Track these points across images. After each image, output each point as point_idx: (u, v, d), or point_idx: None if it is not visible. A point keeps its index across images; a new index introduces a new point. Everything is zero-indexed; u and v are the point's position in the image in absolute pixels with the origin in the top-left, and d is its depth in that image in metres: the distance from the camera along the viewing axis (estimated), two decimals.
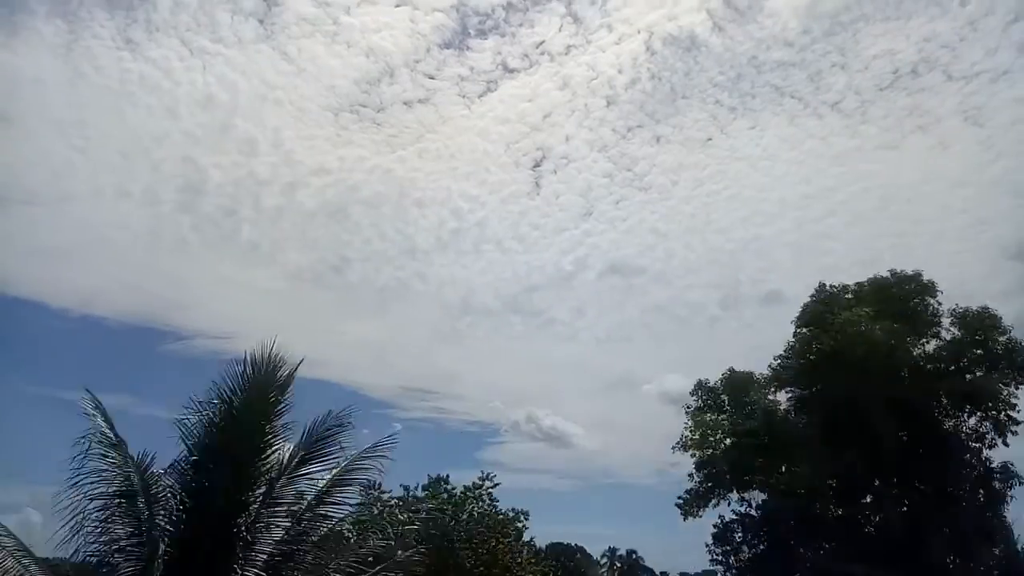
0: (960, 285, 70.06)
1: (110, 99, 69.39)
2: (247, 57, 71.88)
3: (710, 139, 77.29)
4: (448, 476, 22.30)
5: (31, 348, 70.45)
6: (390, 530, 14.45)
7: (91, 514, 8.53)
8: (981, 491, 28.84)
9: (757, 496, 31.03)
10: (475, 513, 20.95)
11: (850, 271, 75.10)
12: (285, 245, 77.70)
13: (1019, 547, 28.89)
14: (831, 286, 31.61)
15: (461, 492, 21.49)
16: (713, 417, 31.40)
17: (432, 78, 75.97)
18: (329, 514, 9.59)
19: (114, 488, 8.75)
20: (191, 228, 73.63)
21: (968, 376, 28.94)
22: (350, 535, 12.04)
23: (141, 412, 75.33)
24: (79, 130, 71.09)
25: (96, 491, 8.63)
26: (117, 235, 70.73)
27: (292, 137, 75.02)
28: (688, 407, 32.14)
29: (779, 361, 31.43)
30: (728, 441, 30.56)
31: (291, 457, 9.25)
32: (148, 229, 71.49)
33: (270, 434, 9.15)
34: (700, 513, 31.30)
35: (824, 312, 30.00)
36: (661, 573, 66.70)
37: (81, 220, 69.82)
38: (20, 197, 66.96)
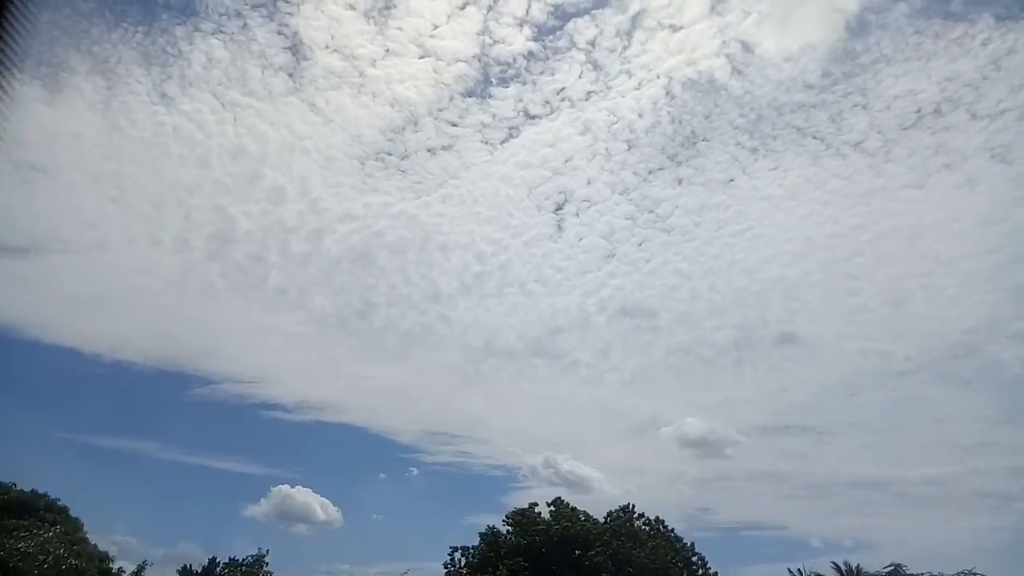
0: (993, 326, 69.04)
1: (144, 151, 71.64)
2: (276, 109, 73.93)
3: (732, 180, 77.34)
4: None
5: (64, 394, 71.66)
6: None
7: None
8: None
9: None
10: None
11: (879, 311, 75.44)
12: (311, 290, 78.53)
13: None
14: None
15: None
16: None
17: (455, 125, 77.34)
18: None
19: None
20: (220, 275, 74.74)
21: None
22: None
23: (166, 457, 76.62)
24: (114, 181, 73.08)
25: None
26: (148, 282, 72.18)
27: (319, 185, 76.55)
28: None
29: None
30: None
31: None
32: (178, 276, 72.98)
33: None
34: None
35: None
36: None
37: (113, 268, 71.54)
38: (55, 246, 68.85)
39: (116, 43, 70.73)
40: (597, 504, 74.18)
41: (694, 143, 78.30)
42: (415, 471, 76.43)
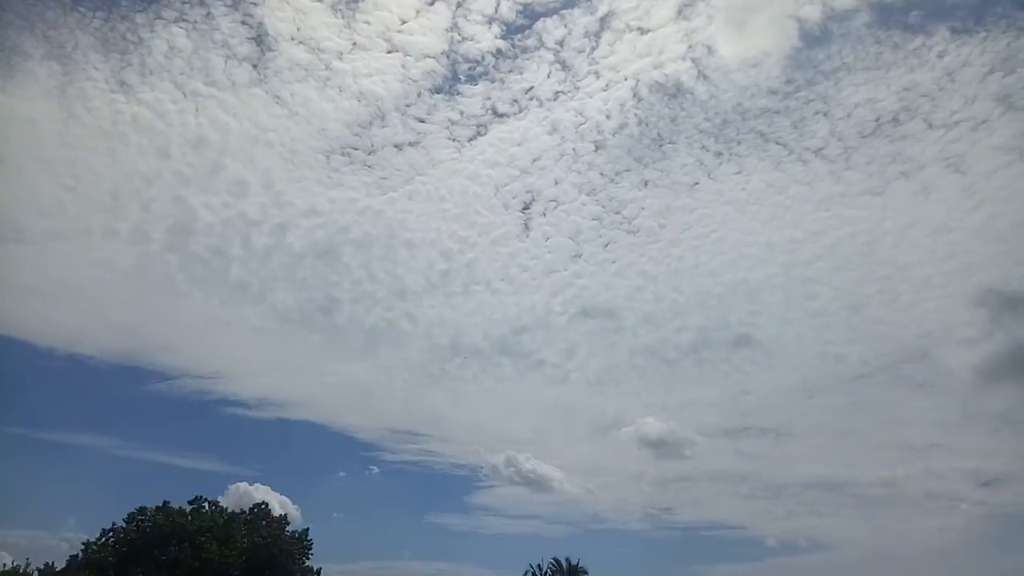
0: (945, 332, 70.70)
1: (102, 140, 70.12)
2: (240, 100, 72.88)
3: (697, 183, 78.28)
4: None
5: (16, 387, 69.66)
6: None
7: None
8: None
9: None
10: None
11: (837, 315, 76.81)
12: (274, 285, 77.34)
13: None
14: None
15: None
16: None
17: (423, 122, 77.08)
18: None
19: None
20: (179, 268, 73.12)
21: None
22: None
23: (125, 454, 74.95)
24: (70, 169, 71.18)
25: None
26: (105, 274, 70.46)
27: (283, 178, 75.49)
28: None
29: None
30: None
31: None
32: (136, 268, 71.33)
33: None
34: None
35: None
36: None
37: (69, 259, 69.70)
38: (8, 236, 66.79)
39: (73, 28, 69.22)
40: (558, 504, 74.72)
41: (660, 145, 79.17)
42: (376, 469, 76.04)
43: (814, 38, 74.26)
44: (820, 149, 73.69)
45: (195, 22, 71.04)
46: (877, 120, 71.09)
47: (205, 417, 77.75)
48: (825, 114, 73.58)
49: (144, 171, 71.12)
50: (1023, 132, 65.58)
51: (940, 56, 69.10)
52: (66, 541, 59.88)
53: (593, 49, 77.50)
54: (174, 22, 70.30)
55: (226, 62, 71.69)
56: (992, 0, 70.39)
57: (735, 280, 77.93)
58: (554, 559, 51.32)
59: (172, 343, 72.86)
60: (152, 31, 70.10)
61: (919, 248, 72.99)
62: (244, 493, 63.57)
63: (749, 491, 73.97)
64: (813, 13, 71.70)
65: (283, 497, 63.94)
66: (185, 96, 70.56)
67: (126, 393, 75.96)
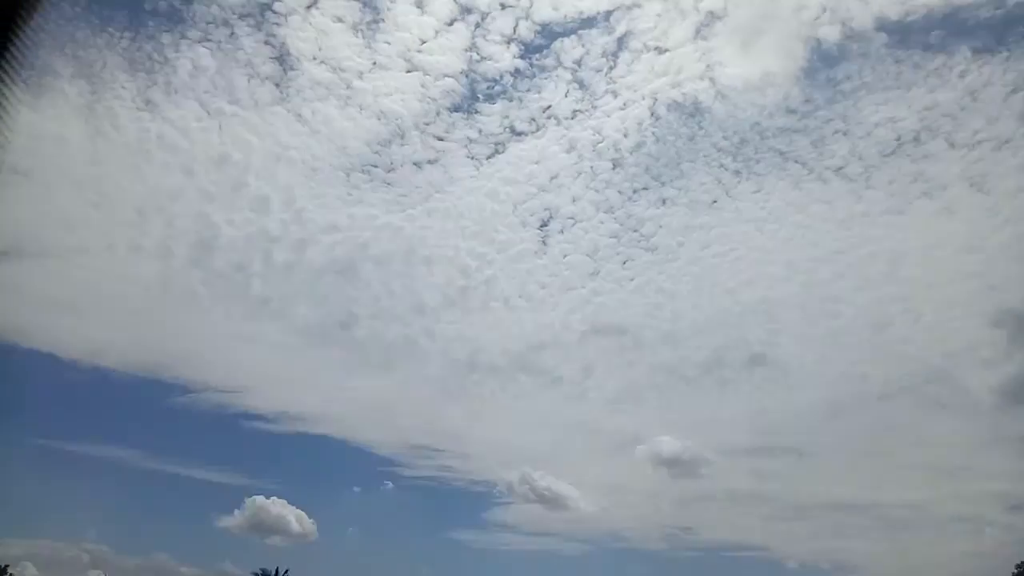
0: (968, 352, 69.77)
1: (128, 157, 71.23)
2: (262, 118, 73.82)
3: (715, 201, 77.98)
4: None
5: (40, 399, 70.49)
6: None
7: None
8: None
9: None
10: None
11: (860, 334, 76.11)
12: (294, 301, 77.98)
13: None
14: None
15: None
16: None
17: (441, 140, 77.61)
18: None
19: None
20: (202, 283, 74.01)
21: None
22: None
23: (145, 466, 75.54)
24: (96, 186, 72.61)
25: None
26: (129, 288, 71.41)
27: (303, 195, 76.37)
28: None
29: None
30: None
31: None
32: (159, 283, 72.37)
33: None
34: None
35: None
36: None
37: (93, 273, 70.76)
38: (34, 250, 68.00)
39: (101, 48, 70.71)
40: (575, 522, 74.13)
41: (678, 164, 79.14)
42: (394, 485, 75.84)
43: (833, 58, 74.24)
44: (840, 168, 73.40)
45: (219, 42, 72.34)
46: (898, 139, 70.79)
47: (225, 430, 78.29)
48: (845, 133, 73.31)
49: (168, 187, 72.28)
50: None
51: (961, 76, 68.78)
52: (87, 552, 60.57)
53: (611, 68, 77.93)
54: (199, 42, 71.61)
55: (249, 81, 72.90)
56: (1014, 20, 69.99)
57: (755, 298, 77.50)
58: None
59: (194, 357, 73.58)
60: (177, 51, 71.41)
61: (942, 268, 72.55)
62: (260, 507, 64.00)
63: (771, 512, 73.11)
64: (832, 33, 71.77)
65: (299, 511, 64.27)
66: (209, 114, 71.77)
67: (148, 405, 76.64)
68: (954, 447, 69.81)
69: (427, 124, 76.80)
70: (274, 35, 73.19)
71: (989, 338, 68.65)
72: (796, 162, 74.87)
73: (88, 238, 71.18)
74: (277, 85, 74.04)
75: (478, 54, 76.94)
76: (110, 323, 72.10)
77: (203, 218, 73.18)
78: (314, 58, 73.66)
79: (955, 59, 69.08)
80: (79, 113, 68.27)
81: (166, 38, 72.43)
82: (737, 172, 76.61)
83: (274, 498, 63.92)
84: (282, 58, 73.44)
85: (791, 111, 74.84)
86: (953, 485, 68.24)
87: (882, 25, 70.08)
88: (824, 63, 74.35)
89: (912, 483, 70.25)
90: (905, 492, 69.54)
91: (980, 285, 70.53)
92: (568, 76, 78.24)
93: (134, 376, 72.99)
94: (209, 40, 71.65)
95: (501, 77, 77.85)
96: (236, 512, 63.88)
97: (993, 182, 68.62)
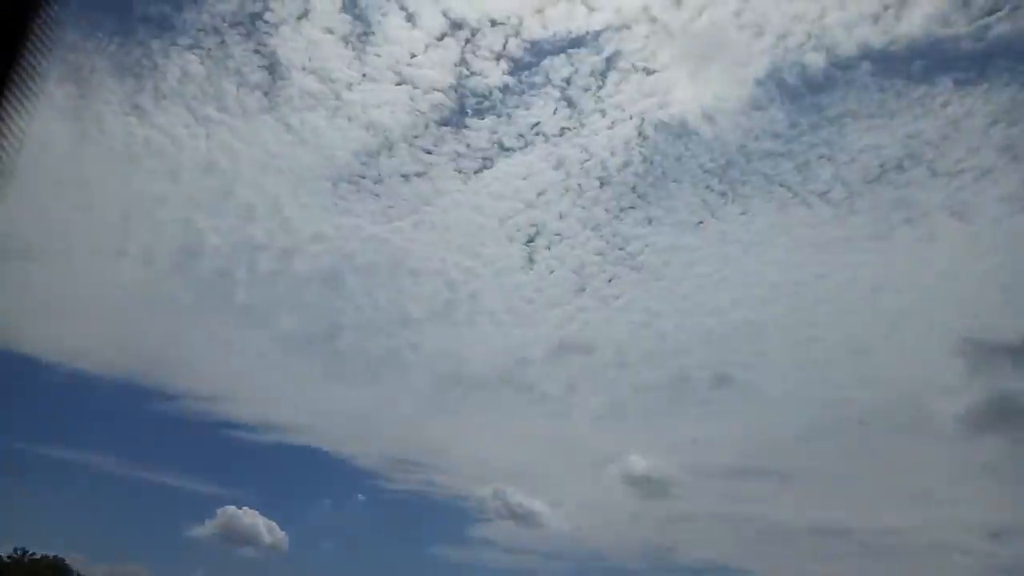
0: (947, 379, 70.17)
1: (114, 161, 71.03)
2: (250, 127, 73.85)
3: (701, 222, 78.54)
4: None
5: (17, 401, 69.70)
6: None
7: None
8: None
9: None
10: None
11: (841, 359, 76.44)
12: (278, 310, 77.83)
13: None
14: None
15: None
16: None
17: (430, 153, 77.84)
18: None
19: None
20: (185, 289, 73.59)
21: None
22: None
23: (120, 472, 74.57)
24: (82, 190, 72.25)
25: None
26: (112, 293, 71.10)
27: (290, 204, 76.30)
28: None
29: None
30: None
31: None
32: (143, 288, 71.86)
33: None
34: None
35: None
36: None
37: (77, 277, 70.33)
38: (18, 252, 67.55)
39: (90, 52, 70.44)
40: (557, 539, 73.63)
41: (665, 184, 79.59)
42: (375, 498, 75.19)
43: (818, 84, 75.19)
44: (824, 193, 74.11)
45: (209, 49, 72.34)
46: (881, 166, 71.64)
47: (205, 438, 77.64)
48: (830, 159, 74.13)
49: (155, 193, 72.04)
50: None
51: (944, 105, 69.80)
52: (57, 559, 59.25)
53: (599, 88, 78.52)
54: (188, 49, 71.64)
55: (238, 89, 72.89)
56: (994, 53, 71.07)
57: (739, 320, 77.76)
58: None
59: (176, 363, 73.09)
60: (167, 57, 71.44)
61: (923, 295, 73.00)
62: (232, 516, 63.26)
63: (752, 534, 72.94)
64: (817, 59, 72.74)
65: (271, 522, 63.60)
66: (197, 121, 71.72)
67: (127, 411, 76.06)
68: (933, 473, 70.15)
69: (415, 137, 77.15)
70: (264, 44, 73.37)
71: (966, 366, 69.18)
72: (781, 186, 75.62)
73: (73, 241, 70.83)
74: (266, 94, 74.18)
75: (468, 69, 77.44)
76: (92, 327, 71.56)
77: (189, 224, 72.99)
78: (304, 68, 73.96)
79: (937, 89, 70.28)
80: (66, 116, 68.20)
81: (156, 44, 72.60)
82: (723, 194, 77.34)
83: (246, 508, 63.22)
84: (272, 67, 73.62)
85: (776, 135, 75.67)
86: (934, 511, 68.44)
87: (866, 54, 71.19)
88: (809, 89, 75.39)
89: (892, 509, 70.32)
90: (885, 518, 69.65)
91: (959, 313, 71.10)
92: (557, 94, 78.85)
93: (114, 381, 72.45)
94: (199, 47, 71.74)
95: (490, 93, 78.37)
96: (208, 522, 63.03)
97: (974, 211, 69.45)
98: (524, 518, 70.21)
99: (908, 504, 70.08)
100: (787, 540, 72.45)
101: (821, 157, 74.41)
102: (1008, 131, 67.20)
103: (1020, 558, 64.05)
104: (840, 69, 72.98)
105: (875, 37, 70.19)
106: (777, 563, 70.97)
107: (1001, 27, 66.68)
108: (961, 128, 69.20)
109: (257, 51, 73.15)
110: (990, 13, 66.74)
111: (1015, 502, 65.11)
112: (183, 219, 72.91)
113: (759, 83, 74.81)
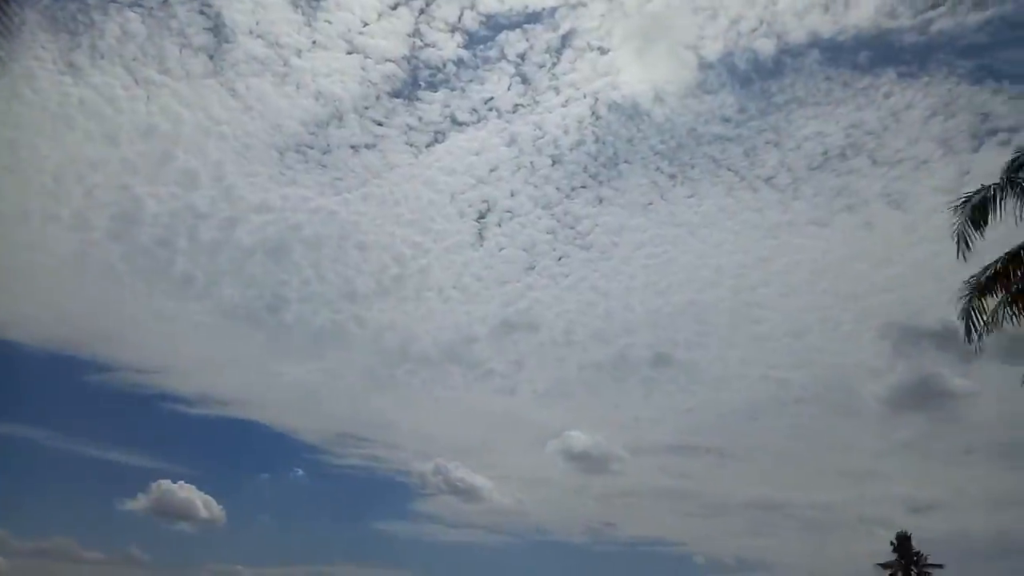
0: (882, 363, 73.09)
1: (47, 122, 67.36)
2: (193, 91, 70.75)
3: (651, 204, 79.30)
4: None
5: None
6: None
7: None
8: None
9: None
10: None
11: (781, 340, 78.70)
12: (220, 280, 75.14)
13: None
14: None
15: None
16: None
17: (380, 125, 76.24)
18: None
19: None
20: (122, 257, 70.32)
21: None
22: None
23: (57, 445, 71.90)
24: (10, 150, 68.22)
25: None
26: (43, 260, 67.51)
27: (234, 172, 73.52)
28: None
29: None
30: None
31: None
32: (76, 255, 68.59)
33: None
34: None
35: None
36: None
37: (5, 242, 66.53)
38: None
39: (21, 3, 66.51)
40: (499, 514, 74.44)
41: (616, 164, 79.99)
42: (318, 472, 74.42)
43: (767, 70, 76.38)
44: (770, 178, 75.48)
45: (150, 8, 68.82)
46: (825, 153, 73.17)
47: (142, 412, 74.82)
48: (776, 145, 75.37)
49: (90, 157, 68.45)
50: (961, 174, 68.33)
51: (886, 96, 71.61)
52: None
53: (554, 65, 78.09)
54: (128, 6, 68.02)
55: (181, 51, 69.71)
56: (935, 47, 73.18)
57: (684, 301, 79.09)
58: None
59: (112, 334, 70.21)
60: (105, 14, 67.72)
61: (860, 280, 75.41)
62: (166, 491, 62.06)
63: (691, 509, 74.97)
64: (767, 46, 73.86)
65: (207, 496, 62.62)
66: (137, 83, 68.39)
67: (59, 383, 72.48)
68: (863, 452, 73.07)
69: (366, 108, 75.38)
70: (209, 5, 70.12)
71: (894, 350, 72.03)
72: (729, 170, 76.72)
73: (2, 206, 67.23)
74: (211, 57, 71.19)
75: (421, 40, 75.97)
76: (22, 295, 68.12)
77: (126, 190, 69.67)
78: (251, 32, 71.18)
79: (881, 80, 71.93)
80: None
81: None
82: (672, 176, 78.09)
83: (181, 482, 61.97)
84: (217, 29, 70.53)
85: (726, 119, 76.72)
86: (862, 488, 71.41)
87: (815, 42, 72.52)
88: (759, 74, 76.52)
89: (823, 485, 73.05)
90: (816, 493, 72.37)
91: (891, 299, 73.84)
92: (511, 70, 78.13)
93: (45, 351, 69.20)
94: (139, 5, 68.21)
95: (444, 66, 77.11)
96: (141, 496, 61.55)
97: (911, 200, 71.79)
98: (466, 493, 70.60)
99: (837, 480, 73.01)
100: (723, 514, 74.81)
101: (768, 143, 75.80)
102: (945, 124, 69.48)
103: (936, 531, 67.64)
104: (790, 56, 74.31)
105: (825, 26, 71.53)
106: (712, 536, 73.38)
107: (943, 22, 68.77)
108: (901, 119, 71.22)
109: (202, 12, 69.88)
110: (934, 7, 68.85)
111: (933, 478, 68.75)
112: (120, 185, 69.61)
113: (711, 67, 75.81)
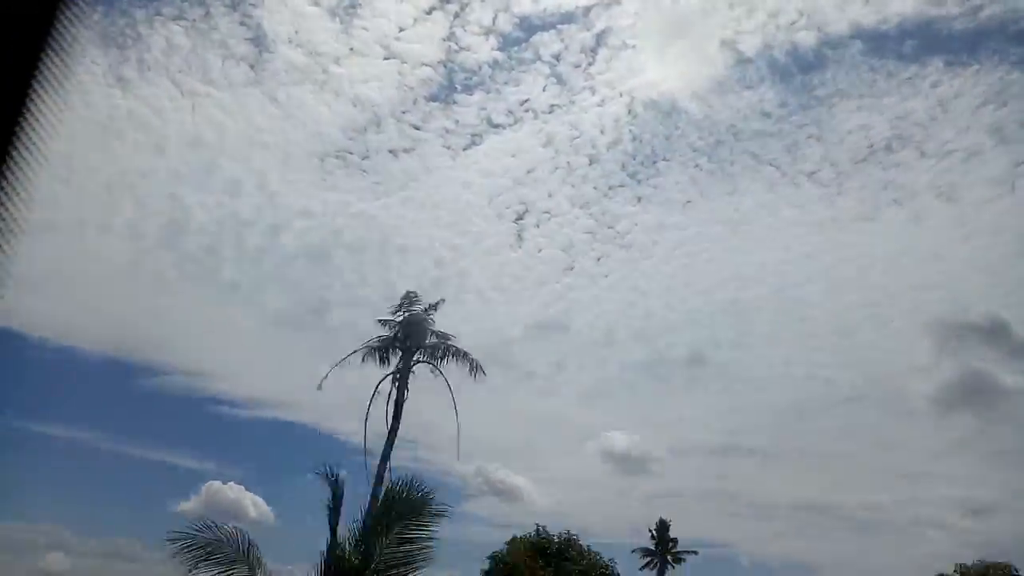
0: (934, 360, 71.05)
1: (98, 134, 69.71)
2: (236, 100, 72.50)
3: (690, 201, 78.48)
4: None
5: (4, 378, 69.20)
6: None
7: None
8: None
9: None
10: None
11: (827, 338, 77.17)
12: (265, 286, 77.12)
13: None
14: None
15: None
16: None
17: (418, 129, 76.81)
18: None
19: None
20: (172, 265, 72.64)
21: None
22: None
23: (107, 447, 74.49)
24: (65, 162, 70.95)
25: None
26: (97, 268, 70.16)
27: (277, 180, 75.56)
28: None
29: None
30: None
31: None
32: (129, 263, 70.81)
33: None
34: None
35: None
36: None
37: (62, 251, 68.99)
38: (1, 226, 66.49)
39: (72, 20, 69.07)
40: (541, 516, 74.34)
41: (654, 162, 79.22)
42: (362, 473, 75.23)
43: (808, 63, 74.91)
44: (813, 173, 73.98)
45: (194, 20, 70.55)
46: (870, 146, 71.27)
47: (192, 414, 77.28)
48: (819, 139, 73.84)
49: (139, 167, 70.68)
50: (1015, 164, 66.19)
51: (933, 86, 69.48)
52: (44, 534, 59.61)
53: (589, 64, 77.76)
54: (173, 20, 69.81)
55: (223, 62, 71.38)
56: (985, 34, 71.03)
57: (726, 299, 78.16)
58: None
59: (163, 340, 72.39)
60: (151, 27, 69.63)
61: (909, 275, 73.52)
62: (217, 491, 63.38)
63: (737, 509, 73.95)
64: (808, 38, 72.37)
65: (257, 498, 63.80)
66: (182, 94, 70.18)
67: (114, 387, 75.47)
68: (916, 452, 71.24)
69: (404, 112, 76.16)
70: (250, 16, 71.72)
71: (944, 346, 70.07)
72: (770, 165, 75.43)
73: (56, 215, 69.37)
74: (252, 67, 72.80)
75: (456, 44, 76.28)
76: (78, 303, 70.84)
77: (174, 199, 71.81)
78: (290, 41, 72.49)
79: (927, 69, 69.86)
80: (48, 87, 66.95)
81: (139, 14, 70.73)
82: (712, 173, 77.07)
83: (231, 483, 63.28)
84: (257, 40, 72.09)
85: (766, 115, 75.33)
86: (915, 488, 69.62)
87: (857, 32, 70.66)
88: (800, 68, 75.10)
89: (873, 486, 71.52)
90: (868, 495, 70.75)
91: (942, 294, 71.78)
92: (546, 70, 78.00)
93: (101, 357, 72.01)
94: (184, 18, 69.96)
95: (479, 68, 77.38)
96: (193, 497, 63.02)
97: (961, 193, 69.69)
98: (507, 494, 70.69)
99: (888, 481, 71.28)
100: (770, 516, 73.66)
101: (810, 137, 74.37)
102: (996, 113, 67.16)
103: (992, 534, 65.48)
104: (831, 48, 72.61)
105: (866, 16, 69.76)
106: (759, 538, 72.20)
107: (993, 8, 66.35)
108: (950, 109, 69.02)
109: (243, 23, 71.64)
110: None
111: (989, 479, 66.58)
112: (168, 193, 71.85)
113: (749, 61, 74.51)
